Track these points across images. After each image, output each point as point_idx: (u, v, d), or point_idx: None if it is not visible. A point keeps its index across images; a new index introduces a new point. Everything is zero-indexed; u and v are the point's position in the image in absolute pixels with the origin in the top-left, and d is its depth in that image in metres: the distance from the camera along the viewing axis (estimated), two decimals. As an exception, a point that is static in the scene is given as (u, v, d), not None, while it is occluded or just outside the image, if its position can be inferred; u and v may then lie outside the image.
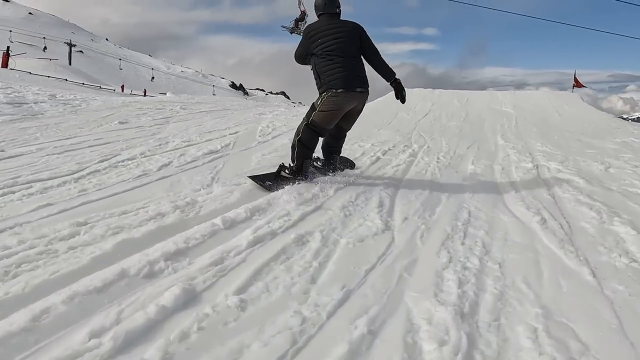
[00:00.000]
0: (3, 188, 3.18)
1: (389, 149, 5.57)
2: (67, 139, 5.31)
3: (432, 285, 2.07)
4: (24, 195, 3.09)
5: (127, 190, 3.35)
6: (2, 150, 4.48)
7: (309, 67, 3.92)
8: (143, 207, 2.91)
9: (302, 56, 3.87)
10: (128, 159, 4.39)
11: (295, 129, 3.87)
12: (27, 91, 8.61)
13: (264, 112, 8.72)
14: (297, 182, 3.57)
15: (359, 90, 3.66)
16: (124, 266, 2.04)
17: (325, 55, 3.62)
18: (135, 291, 1.88)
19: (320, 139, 3.86)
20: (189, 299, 1.84)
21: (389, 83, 3.91)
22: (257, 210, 2.95)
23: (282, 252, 2.35)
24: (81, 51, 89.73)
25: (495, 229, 2.89)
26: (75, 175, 3.68)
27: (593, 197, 3.58)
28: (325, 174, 4.00)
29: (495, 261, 2.38)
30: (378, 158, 5.06)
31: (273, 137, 5.98)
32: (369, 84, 3.79)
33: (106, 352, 1.47)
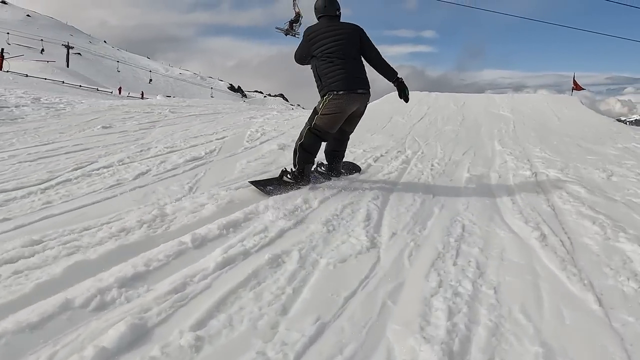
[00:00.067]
0: (-42, 201, 2.94)
1: (382, 155, 5.34)
2: (44, 144, 5.07)
3: (418, 317, 1.84)
4: (-21, 209, 2.85)
5: (96, 203, 3.11)
6: (-29, 158, 4.24)
7: (308, 68, 3.88)
8: (108, 223, 2.68)
9: (302, 57, 3.88)
10: (104, 167, 4.15)
11: (296, 133, 3.73)
12: (11, 94, 8.36)
13: (255, 116, 8.49)
14: (298, 187, 3.56)
15: (361, 92, 3.64)
16: (69, 295, 1.81)
17: (326, 58, 3.61)
18: (76, 327, 1.64)
19: (323, 144, 3.83)
20: (137, 337, 1.60)
21: (391, 83, 3.89)
22: (232, 225, 2.71)
23: (253, 276, 2.11)
24: (79, 53, 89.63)
25: (490, 246, 2.65)
26: (43, 186, 3.44)
27: (595, 209, 3.35)
28: (329, 179, 3.95)
29: (490, 285, 2.15)
30: (369, 165, 4.83)
31: (261, 143, 5.75)
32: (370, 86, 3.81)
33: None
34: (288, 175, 3.70)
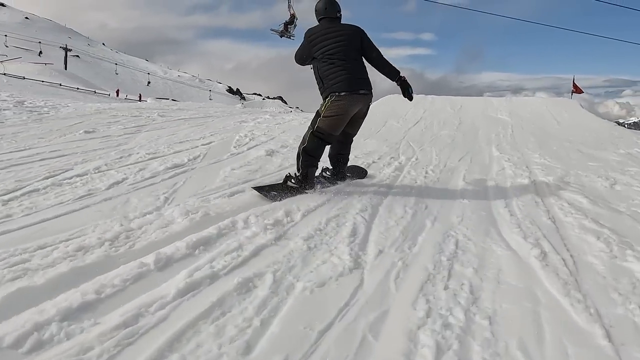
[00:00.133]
0: None
1: (374, 162, 5.11)
2: (20, 150, 4.82)
3: (402, 356, 1.60)
4: None
5: (60, 216, 2.87)
6: (-64, 166, 4.00)
7: (307, 71, 3.85)
8: (67, 240, 2.44)
9: (302, 58, 3.87)
10: (78, 175, 3.91)
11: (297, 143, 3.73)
12: (-5, 97, 8.13)
13: (246, 120, 8.25)
14: (302, 193, 3.54)
15: (363, 93, 3.63)
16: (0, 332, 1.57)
17: (327, 59, 3.61)
18: (-1, 375, 1.40)
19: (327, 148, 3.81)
20: (68, 387, 1.36)
21: (394, 82, 3.86)
22: (203, 243, 2.48)
23: (217, 305, 1.87)
24: (77, 56, 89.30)
25: (486, 265, 2.42)
26: (7, 197, 3.20)
27: (599, 222, 3.12)
28: (334, 184, 3.91)
29: (485, 314, 1.92)
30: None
31: (249, 149, 5.52)
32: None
33: None
34: (292, 180, 3.64)
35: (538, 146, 6.68)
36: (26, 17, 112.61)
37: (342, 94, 3.54)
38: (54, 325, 1.64)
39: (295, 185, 3.61)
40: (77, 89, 39.70)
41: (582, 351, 1.66)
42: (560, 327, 1.82)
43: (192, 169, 4.42)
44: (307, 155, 3.64)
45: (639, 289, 2.15)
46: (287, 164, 4.75)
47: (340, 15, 3.81)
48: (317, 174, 3.86)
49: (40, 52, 74.65)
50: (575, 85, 15.30)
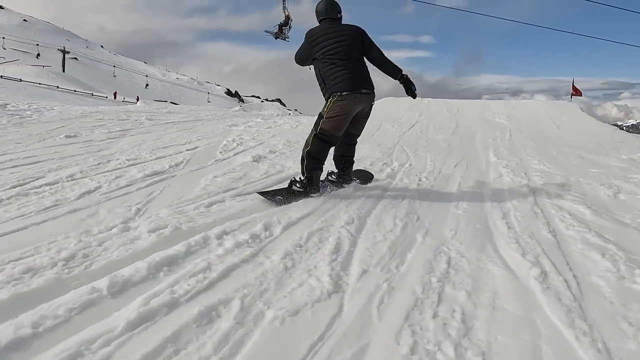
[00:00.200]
0: None
1: (365, 168, 4.87)
2: (-7, 157, 4.59)
3: (379, 407, 1.37)
4: None
5: (17, 231, 2.63)
6: None
7: (306, 73, 3.85)
8: (17, 260, 2.20)
9: (302, 59, 3.87)
10: (48, 184, 3.67)
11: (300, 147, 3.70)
12: (-23, 101, 7.89)
13: (236, 124, 8.02)
14: (308, 196, 3.52)
15: (365, 92, 3.61)
16: None
17: (328, 59, 3.60)
18: None
19: (331, 152, 3.78)
20: None
21: (397, 81, 3.84)
22: (168, 262, 2.24)
23: (172, 341, 1.63)
24: (75, 58, 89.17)
25: (480, 288, 2.18)
26: (-35, 208, 2.96)
27: (604, 236, 2.88)
28: (340, 187, 3.88)
29: (478, 349, 1.68)
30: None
31: (235, 154, 5.28)
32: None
33: None
34: (297, 184, 3.61)
35: (537, 151, 6.45)
36: (24, 20, 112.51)
37: (344, 93, 3.52)
38: (-28, 370, 1.41)
39: (301, 189, 3.58)
40: (75, 91, 39.50)
41: (590, 399, 1.43)
42: (564, 367, 1.58)
43: (172, 176, 4.19)
44: (312, 158, 3.60)
45: (651, 318, 1.91)
46: (273, 171, 4.52)
47: (341, 16, 3.80)
48: (322, 178, 3.82)
49: (38, 55, 74.52)
50: (574, 88, 15.04)
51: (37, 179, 3.80)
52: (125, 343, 1.60)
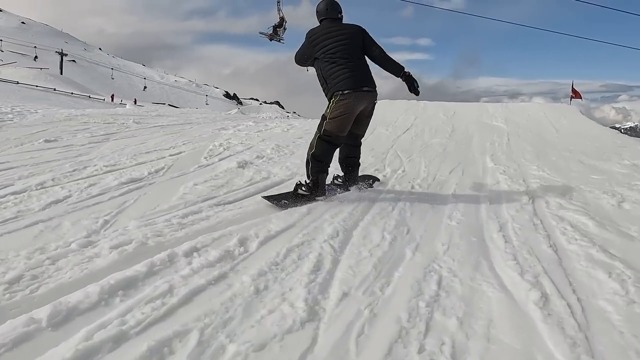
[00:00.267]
0: None
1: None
2: (-38, 163, 4.35)
3: None
4: None
5: (-35, 247, 2.39)
6: None
7: (305, 76, 3.66)
8: (-44, 282, 1.96)
9: (302, 58, 3.86)
10: (14, 193, 3.44)
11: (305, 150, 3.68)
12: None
13: (226, 127, 7.78)
14: (314, 200, 3.48)
15: (366, 90, 3.59)
16: None
17: (328, 58, 3.58)
18: None
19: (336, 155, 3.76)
20: None
21: (399, 78, 3.79)
22: (124, 285, 2.00)
23: (110, 386, 1.40)
24: (74, 60, 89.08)
25: (474, 314, 1.95)
26: None
27: (609, 252, 2.65)
28: (347, 190, 3.84)
29: (469, 393, 1.44)
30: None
31: (220, 160, 5.04)
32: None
33: None
34: (303, 188, 3.58)
35: (536, 156, 6.22)
36: (22, 22, 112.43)
37: (346, 92, 3.49)
38: None
39: (307, 193, 3.54)
40: (72, 93, 39.33)
41: None
42: (570, 418, 1.35)
43: (150, 183, 3.96)
44: (317, 161, 3.57)
45: (667, 353, 1.68)
46: (258, 178, 4.28)
47: (342, 16, 3.80)
48: (327, 182, 3.77)
49: (36, 57, 74.33)
50: (574, 90, 14.77)
51: (4, 187, 3.58)
52: (54, 389, 1.37)
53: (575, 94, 14.77)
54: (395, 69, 3.75)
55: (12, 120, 6.81)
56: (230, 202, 3.49)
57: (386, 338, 1.74)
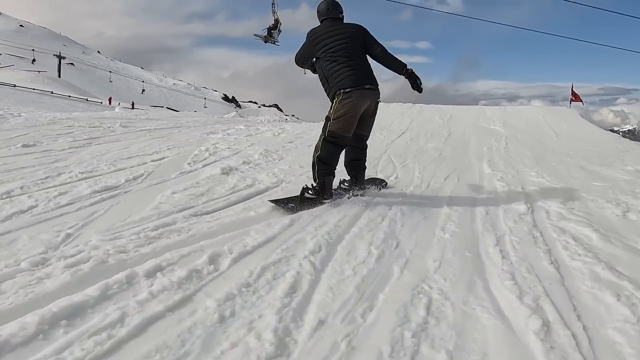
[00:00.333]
0: None
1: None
2: None
3: None
4: None
5: None
6: None
7: (304, 80, 3.49)
8: None
9: (302, 58, 3.83)
10: (-25, 203, 3.19)
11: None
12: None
13: (215, 131, 7.54)
14: (321, 203, 3.44)
15: (369, 87, 3.55)
16: None
17: (329, 57, 3.56)
18: None
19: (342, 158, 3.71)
20: None
21: (402, 76, 3.74)
22: (69, 313, 1.77)
23: None
24: (72, 63, 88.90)
25: (466, 347, 1.72)
26: None
27: (616, 269, 2.42)
28: (354, 194, 3.75)
29: None
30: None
31: (204, 166, 4.81)
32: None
33: None
34: (309, 192, 3.53)
35: (535, 162, 5.99)
36: (21, 25, 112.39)
37: (348, 90, 3.46)
38: None
39: (313, 196, 3.50)
40: (69, 96, 39.11)
41: None
42: None
43: (126, 192, 3.72)
44: (323, 163, 3.53)
45: (690, 398, 1.44)
46: (242, 185, 4.05)
47: (343, 16, 3.79)
48: (334, 186, 3.73)
49: (34, 60, 74.20)
50: (574, 93, 14.48)
51: (-33, 197, 3.33)
52: None
53: (575, 97, 14.49)
54: (397, 66, 3.69)
55: (-8, 123, 6.59)
56: (208, 213, 3.26)
57: (364, 378, 1.51)
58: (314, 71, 3.95)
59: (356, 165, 3.91)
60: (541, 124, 10.64)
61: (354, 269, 2.38)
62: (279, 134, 7.52)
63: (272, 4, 14.58)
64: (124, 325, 1.71)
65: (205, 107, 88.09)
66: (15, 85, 35.99)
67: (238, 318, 1.84)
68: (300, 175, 4.55)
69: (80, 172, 4.22)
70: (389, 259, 2.56)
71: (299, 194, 3.82)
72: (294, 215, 3.20)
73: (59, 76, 58.25)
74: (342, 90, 3.48)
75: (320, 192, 3.52)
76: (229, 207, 3.44)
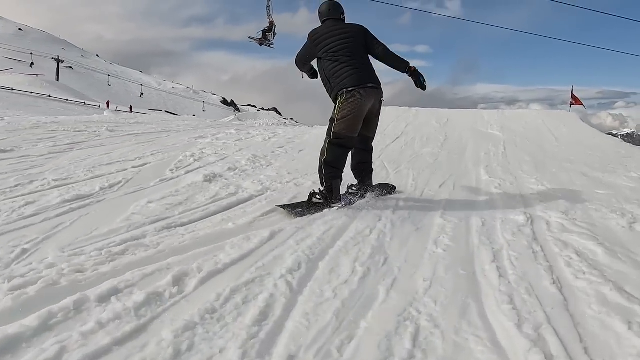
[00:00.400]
0: None
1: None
2: None
3: None
4: None
5: None
6: None
7: (303, 83, 3.45)
8: None
9: (304, 58, 3.79)
10: None
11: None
12: None
13: (205, 135, 7.30)
14: (330, 207, 3.39)
15: (371, 86, 3.50)
16: None
17: (331, 57, 3.52)
18: None
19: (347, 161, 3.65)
20: None
21: (405, 74, 3.69)
22: (1, 347, 1.53)
23: None
24: (71, 67, 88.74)
25: (456, 388, 1.48)
26: None
27: (626, 290, 2.18)
28: (363, 197, 3.71)
29: None
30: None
31: (187, 172, 4.58)
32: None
33: None
34: (317, 196, 3.50)
35: (534, 168, 5.76)
36: (19, 29, 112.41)
37: (350, 89, 3.42)
38: None
39: (321, 201, 3.46)
40: (67, 100, 38.91)
41: None
42: None
43: (99, 201, 3.49)
44: (329, 166, 3.48)
45: None
46: (224, 194, 3.82)
47: (344, 17, 3.77)
48: (342, 192, 3.64)
49: (32, 64, 74.07)
50: (574, 97, 14.19)
51: None
52: None
53: (576, 101, 14.19)
54: (400, 64, 3.65)
55: (-29, 128, 6.35)
56: (183, 225, 3.03)
57: None
58: (311, 76, 3.94)
59: (363, 169, 3.85)
60: (540, 128, 10.41)
61: (334, 290, 2.14)
62: (269, 138, 7.28)
63: (267, 7, 14.44)
64: (61, 364, 1.48)
65: (203, 110, 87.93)
66: (12, 89, 35.81)
67: (196, 353, 1.61)
68: (287, 183, 4.33)
69: (53, 180, 3.99)
70: (375, 277, 2.33)
71: (283, 202, 3.62)
72: (275, 228, 2.96)
73: (57, 79, 58.14)
74: (344, 90, 3.44)
75: (328, 196, 3.47)
76: (207, 218, 3.21)
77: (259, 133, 7.99)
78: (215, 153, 5.65)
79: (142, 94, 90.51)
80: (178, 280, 2.12)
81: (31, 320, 1.69)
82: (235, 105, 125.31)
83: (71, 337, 1.62)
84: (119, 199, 3.58)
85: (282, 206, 3.41)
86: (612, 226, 3.24)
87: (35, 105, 22.96)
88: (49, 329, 1.68)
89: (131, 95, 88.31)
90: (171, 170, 4.65)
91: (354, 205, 3.60)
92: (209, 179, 4.26)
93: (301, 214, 3.25)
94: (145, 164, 4.85)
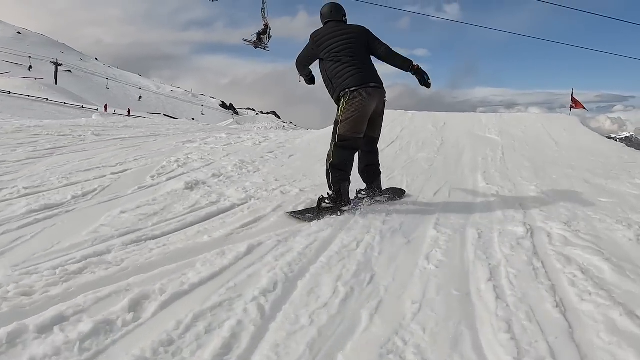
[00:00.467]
0: None
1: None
2: None
3: None
4: None
5: None
6: None
7: (302, 86, 3.41)
8: None
9: (305, 59, 3.78)
10: None
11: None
12: None
13: (193, 140, 7.08)
14: (340, 211, 3.36)
15: (373, 85, 3.49)
16: None
17: (333, 57, 3.52)
18: None
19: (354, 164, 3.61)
20: None
21: (409, 73, 3.66)
22: None
23: None
24: (69, 70, 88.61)
25: None
26: None
27: (636, 314, 1.96)
28: (374, 201, 3.68)
29: None
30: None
31: (168, 179, 4.35)
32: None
33: None
34: (326, 201, 3.44)
35: (534, 174, 5.52)
36: (18, 32, 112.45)
37: (353, 89, 3.41)
38: None
39: (330, 205, 3.41)
40: (64, 103, 38.74)
41: None
42: None
43: (68, 211, 3.26)
44: (337, 169, 3.45)
45: None
46: (204, 202, 3.59)
47: (346, 19, 3.78)
48: (351, 197, 3.60)
49: (30, 67, 73.95)
50: (574, 100, 13.94)
51: None
52: None
53: (576, 104, 13.94)
54: (403, 63, 3.64)
55: (-51, 132, 6.12)
56: (154, 237, 2.79)
57: None
58: (308, 82, 3.93)
59: (371, 171, 3.82)
60: (540, 132, 10.18)
61: (311, 316, 1.91)
62: (260, 142, 7.05)
63: (262, 9, 14.28)
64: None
65: (202, 114, 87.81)
66: (10, 92, 35.65)
67: (140, 398, 1.37)
68: (273, 190, 4.09)
69: (24, 187, 3.75)
70: (358, 300, 2.10)
71: (266, 212, 3.40)
72: (254, 241, 2.73)
73: (56, 83, 58.01)
74: (347, 90, 3.43)
75: (337, 199, 3.42)
76: (182, 230, 2.98)
77: (249, 137, 7.76)
78: (202, 158, 5.42)
79: (140, 97, 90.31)
80: (135, 305, 1.89)
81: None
82: (234, 109, 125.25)
83: (-2, 377, 1.39)
84: (90, 209, 3.34)
85: (291, 213, 3.33)
86: (618, 239, 3.01)
87: (30, 109, 22.73)
88: (-27, 368, 1.45)
89: (130, 98, 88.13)
90: (152, 176, 4.41)
91: (341, 215, 3.38)
92: (191, 186, 4.03)
93: (311, 219, 3.20)
94: (126, 170, 4.62)
